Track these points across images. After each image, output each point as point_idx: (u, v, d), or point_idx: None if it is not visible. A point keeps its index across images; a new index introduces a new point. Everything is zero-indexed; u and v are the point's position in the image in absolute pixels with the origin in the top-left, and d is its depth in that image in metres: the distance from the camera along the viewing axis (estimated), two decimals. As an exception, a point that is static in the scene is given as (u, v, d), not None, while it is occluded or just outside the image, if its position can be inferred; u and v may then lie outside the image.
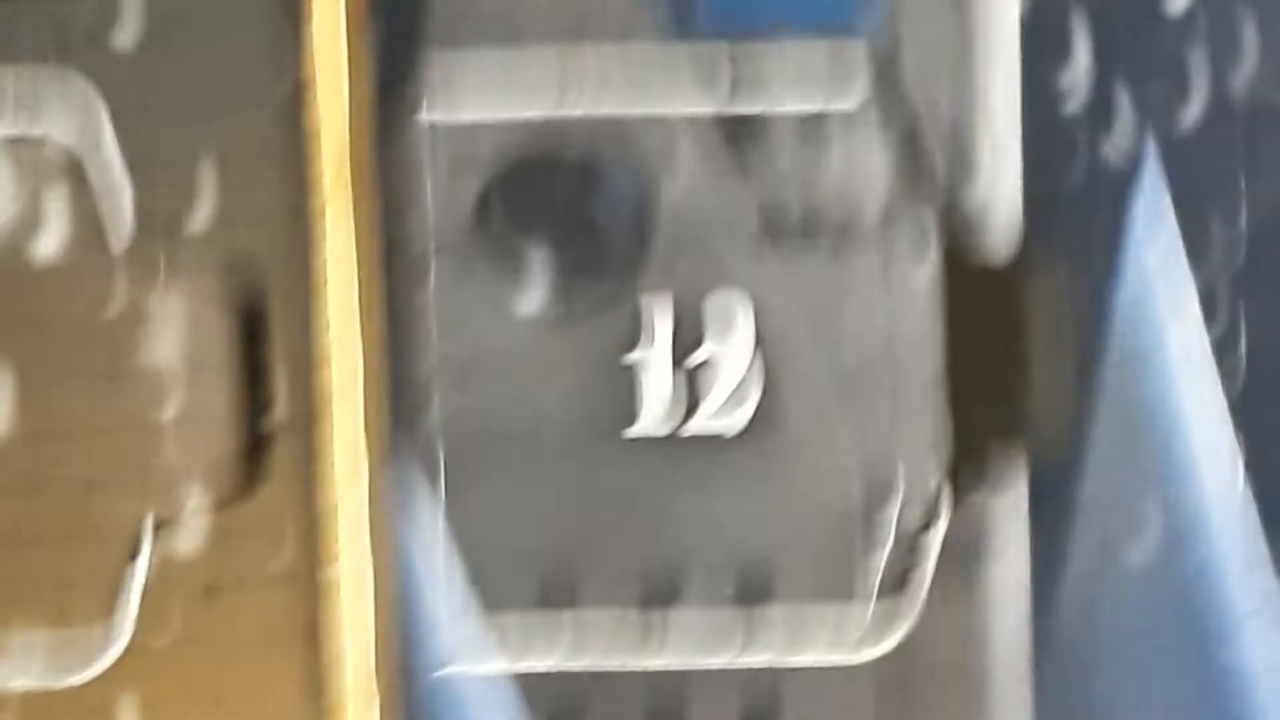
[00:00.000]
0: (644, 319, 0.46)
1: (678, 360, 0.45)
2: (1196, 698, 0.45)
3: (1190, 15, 0.43)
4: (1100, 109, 0.45)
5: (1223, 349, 0.45)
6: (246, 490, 0.45)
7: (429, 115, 0.44)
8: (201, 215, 0.44)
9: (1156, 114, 0.44)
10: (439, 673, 0.46)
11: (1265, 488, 0.46)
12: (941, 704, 0.46)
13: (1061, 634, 0.46)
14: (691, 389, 0.45)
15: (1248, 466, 0.46)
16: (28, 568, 0.45)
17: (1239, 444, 0.46)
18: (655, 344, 0.46)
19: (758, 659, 0.46)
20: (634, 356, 0.45)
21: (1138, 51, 0.44)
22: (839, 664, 0.46)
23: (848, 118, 0.44)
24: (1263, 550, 0.46)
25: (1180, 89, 0.44)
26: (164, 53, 0.44)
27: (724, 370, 0.45)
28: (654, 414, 0.45)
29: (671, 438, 0.45)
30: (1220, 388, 0.46)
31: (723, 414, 0.45)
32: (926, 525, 0.46)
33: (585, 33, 0.44)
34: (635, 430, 0.45)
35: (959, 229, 0.45)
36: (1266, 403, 0.45)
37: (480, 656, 0.46)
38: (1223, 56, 0.44)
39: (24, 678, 0.45)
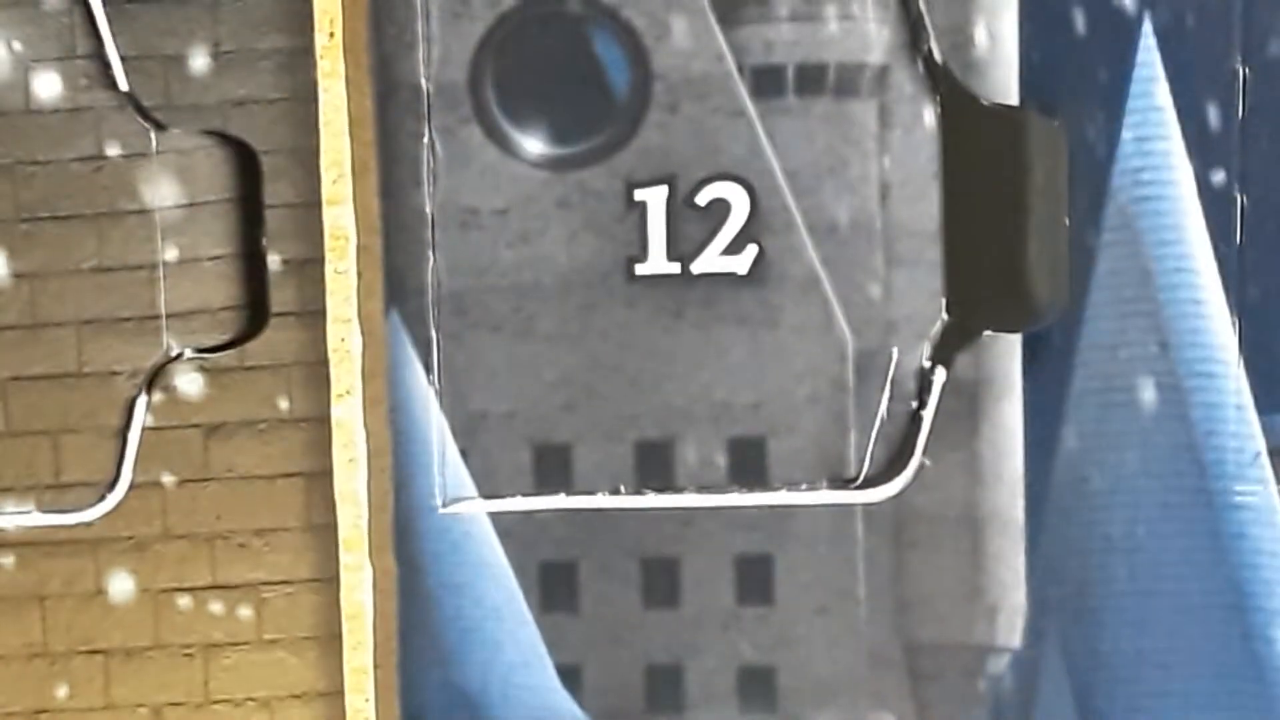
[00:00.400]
0: (651, 161, 0.45)
1: (686, 200, 0.45)
2: (1198, 535, 0.45)
3: None
4: None
5: (1223, 196, 0.45)
6: (247, 332, 0.45)
7: None
8: (201, 59, 0.43)
9: None
10: (438, 512, 0.46)
11: (1254, 336, 0.45)
12: (936, 547, 0.46)
13: (1059, 478, 0.46)
14: (701, 227, 0.45)
15: (1240, 313, 0.45)
16: (29, 409, 0.45)
17: (1232, 292, 0.45)
18: (664, 183, 0.45)
19: (753, 500, 0.46)
20: (644, 194, 0.44)
21: None
22: (834, 507, 0.46)
23: None
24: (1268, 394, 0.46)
25: None
26: None
27: (731, 210, 0.45)
28: (664, 250, 0.45)
29: (680, 275, 0.45)
30: (1220, 232, 0.45)
31: (729, 253, 0.45)
32: (926, 372, 0.46)
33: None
34: (644, 268, 0.45)
35: (960, 73, 0.44)
36: (1263, 250, 0.45)
37: (475, 498, 0.46)
38: None
39: (26, 518, 0.45)
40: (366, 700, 0.46)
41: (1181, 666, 0.46)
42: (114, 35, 0.43)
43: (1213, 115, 0.44)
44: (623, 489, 0.46)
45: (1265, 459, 0.45)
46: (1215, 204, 0.44)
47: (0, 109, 0.44)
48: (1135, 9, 0.43)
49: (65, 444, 0.45)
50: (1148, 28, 0.43)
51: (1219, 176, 0.44)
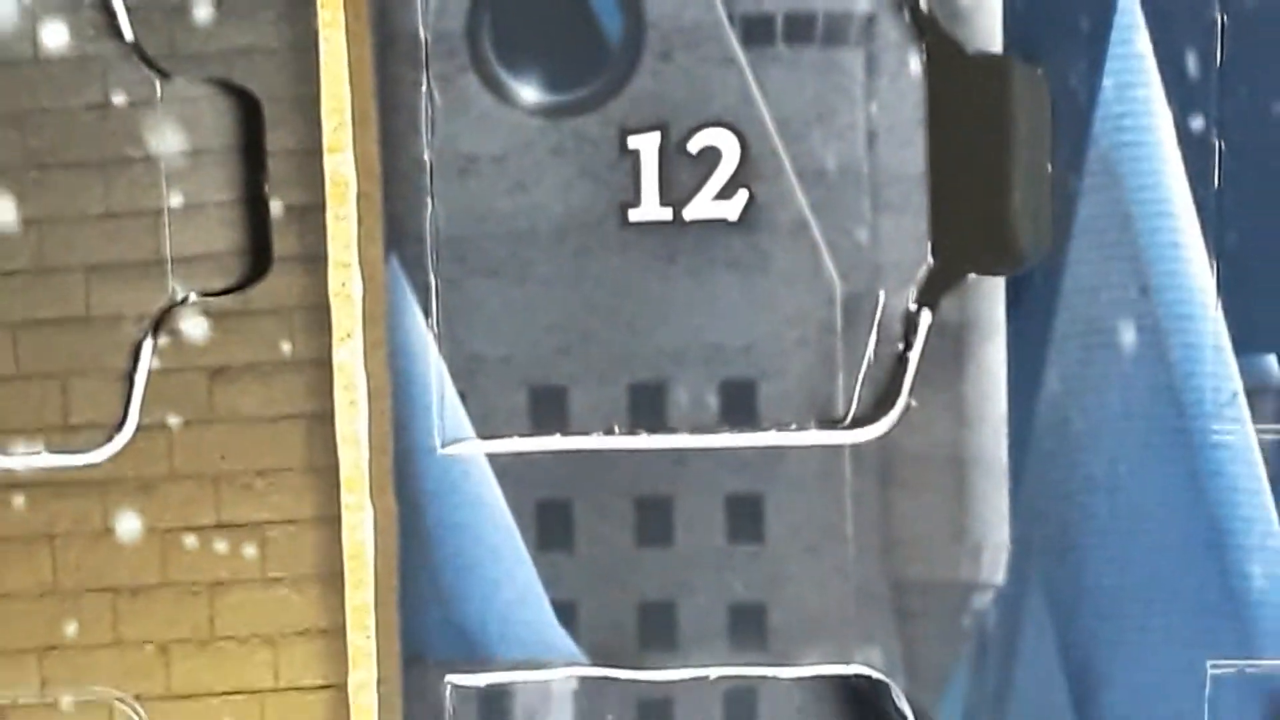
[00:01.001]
0: (644, 109, 0.46)
1: (678, 146, 0.46)
2: (1177, 474, 0.46)
3: None
4: None
5: (1202, 142, 0.46)
6: (251, 277, 0.46)
7: None
8: (204, 9, 0.44)
9: None
10: (437, 453, 0.47)
11: (1231, 279, 0.46)
12: (922, 487, 0.47)
13: (1041, 420, 0.47)
14: (693, 173, 0.46)
15: (1218, 256, 0.46)
16: (37, 352, 0.46)
17: (1210, 236, 0.46)
18: (657, 130, 0.46)
19: (744, 441, 0.47)
20: (637, 141, 0.45)
21: None
22: (823, 448, 0.46)
23: None
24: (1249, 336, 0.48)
25: None
26: None
27: (722, 157, 0.45)
28: (656, 196, 0.46)
29: (673, 221, 0.45)
30: (1198, 177, 0.46)
31: (721, 199, 0.45)
32: (912, 315, 0.46)
33: None
34: (637, 215, 0.46)
35: (945, 22, 0.45)
36: (1240, 195, 0.46)
37: (473, 439, 0.47)
38: None
39: (36, 459, 0.46)
40: (368, 637, 0.47)
41: (1161, 602, 0.47)
42: None
43: (1191, 63, 0.44)
44: (616, 429, 0.46)
45: (1242, 399, 0.46)
46: (1194, 150, 0.45)
47: (9, 58, 0.44)
48: None
49: (73, 387, 0.46)
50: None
51: (1198, 123, 0.44)
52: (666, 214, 0.47)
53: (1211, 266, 0.47)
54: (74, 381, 0.47)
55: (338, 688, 0.48)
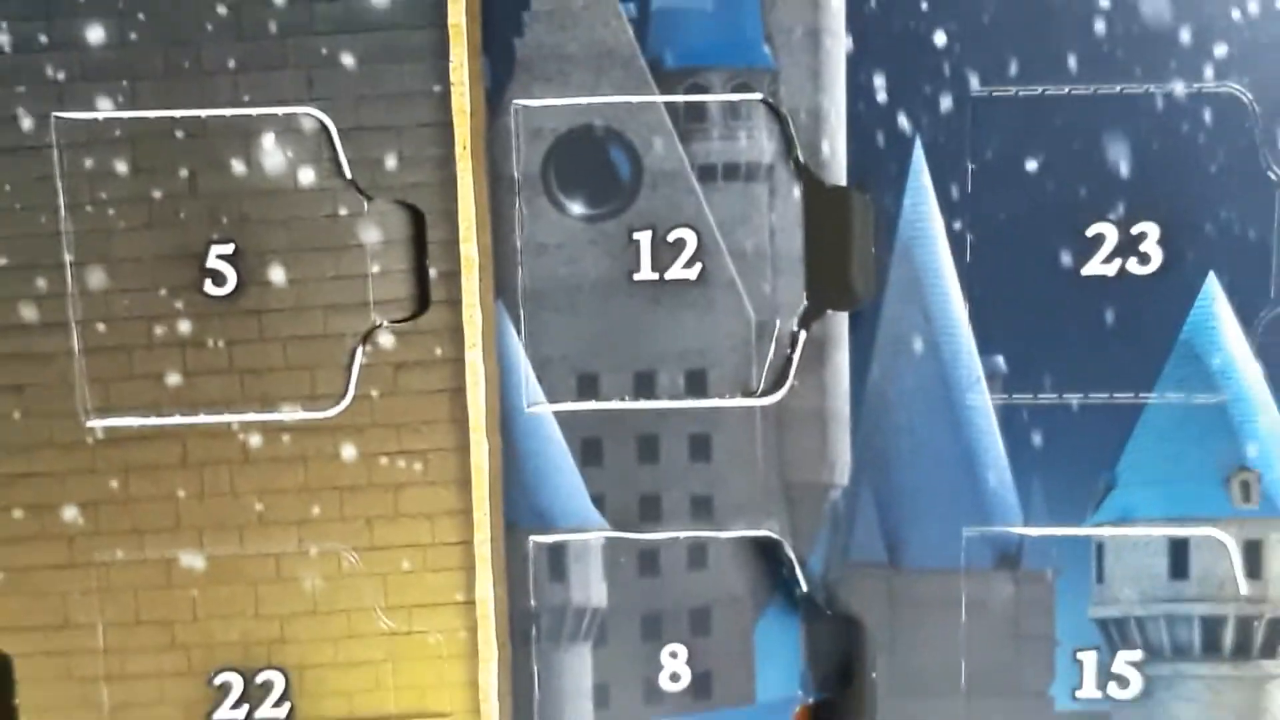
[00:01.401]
0: (642, 218, 0.51)
1: (661, 238, 0.51)
2: (949, 425, 0.52)
3: (950, 43, 0.48)
4: (882, 112, 0.49)
5: (961, 236, 0.51)
6: (418, 311, 0.51)
7: (516, 100, 0.50)
8: (392, 161, 0.49)
9: (920, 110, 0.49)
10: (525, 411, 0.52)
11: (976, 313, 0.51)
12: (800, 429, 0.52)
13: (869, 392, 0.52)
14: (670, 253, 0.51)
15: (969, 300, 0.51)
16: (299, 355, 0.51)
17: (965, 290, 0.51)
18: (650, 229, 0.51)
19: (699, 404, 0.52)
20: (638, 235, 0.50)
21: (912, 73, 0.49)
22: (745, 408, 0.52)
23: (754, 106, 0.50)
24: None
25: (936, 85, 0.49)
26: (378, 79, 0.48)
27: (687, 244, 0.51)
28: (649, 266, 0.51)
29: (659, 281, 0.51)
30: (958, 257, 0.51)
31: (686, 268, 0.51)
32: (795, 334, 0.52)
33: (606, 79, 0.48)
34: (639, 277, 0.51)
35: (813, 168, 0.51)
36: (982, 267, 0.51)
37: (545, 403, 0.53)
38: (967, 62, 0.49)
39: (297, 415, 0.51)
40: (485, 514, 0.52)
41: (937, 496, 0.53)
42: (343, 146, 0.49)
43: (954, 190, 0.50)
44: (626, 398, 0.52)
45: (983, 381, 0.52)
46: (956, 241, 0.50)
47: (280, 188, 0.49)
48: (910, 132, 0.49)
49: (318, 374, 0.51)
50: (918, 143, 0.49)
51: (958, 225, 0.50)
52: (655, 276, 0.51)
53: (966, 306, 0.51)
54: (319, 371, 0.51)
55: (467, 543, 0.52)
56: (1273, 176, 0.48)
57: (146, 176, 0.48)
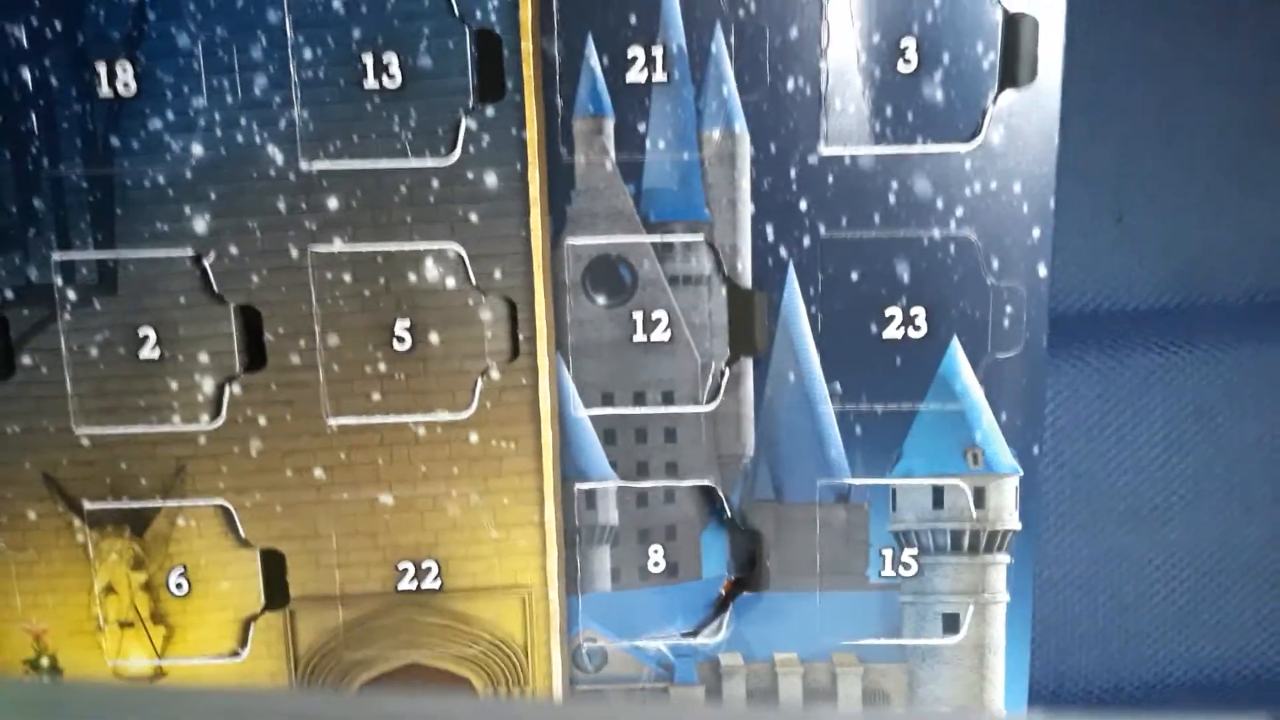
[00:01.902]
0: (640, 303, 0.56)
1: (648, 316, 0.56)
2: (808, 412, 0.57)
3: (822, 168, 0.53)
4: (770, 247, 0.53)
5: (814, 319, 0.55)
6: (513, 358, 0.56)
7: (568, 240, 0.56)
8: (498, 274, 0.54)
9: (792, 245, 0.54)
10: (572, 415, 0.58)
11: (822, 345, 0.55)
12: (727, 421, 0.58)
13: (766, 397, 0.58)
14: (653, 326, 0.56)
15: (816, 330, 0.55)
16: (442, 386, 0.56)
17: (814, 335, 0.56)
18: (640, 310, 0.55)
19: (667, 410, 0.58)
20: (635, 315, 0.55)
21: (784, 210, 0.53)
22: (695, 414, 0.58)
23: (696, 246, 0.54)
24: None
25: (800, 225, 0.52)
26: (490, 228, 0.52)
27: (662, 321, 0.56)
28: (642, 332, 0.56)
29: (646, 341, 0.56)
30: (810, 323, 0.56)
31: (664, 334, 0.56)
32: (721, 370, 0.57)
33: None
34: (636, 338, 0.56)
35: (732, 276, 0.56)
36: (828, 318, 0.55)
37: (582, 407, 0.58)
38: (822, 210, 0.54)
39: (440, 418, 0.49)
40: (550, 472, 0.56)
41: (806, 467, 0.58)
42: (471, 266, 0.52)
43: (810, 290, 0.56)
44: (629, 407, 0.59)
45: (828, 399, 0.58)
46: (812, 319, 0.56)
47: (436, 289, 0.48)
48: (786, 258, 0.55)
49: (457, 395, 0.50)
50: (791, 265, 0.55)
51: (813, 309, 0.55)
52: (645, 339, 0.56)
53: (817, 355, 0.56)
54: (457, 393, 0.54)
55: (540, 490, 0.56)
56: (990, 282, 0.53)
57: (360, 283, 0.52)
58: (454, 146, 0.49)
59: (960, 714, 0.52)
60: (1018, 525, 0.53)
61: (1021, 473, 0.53)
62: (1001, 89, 0.49)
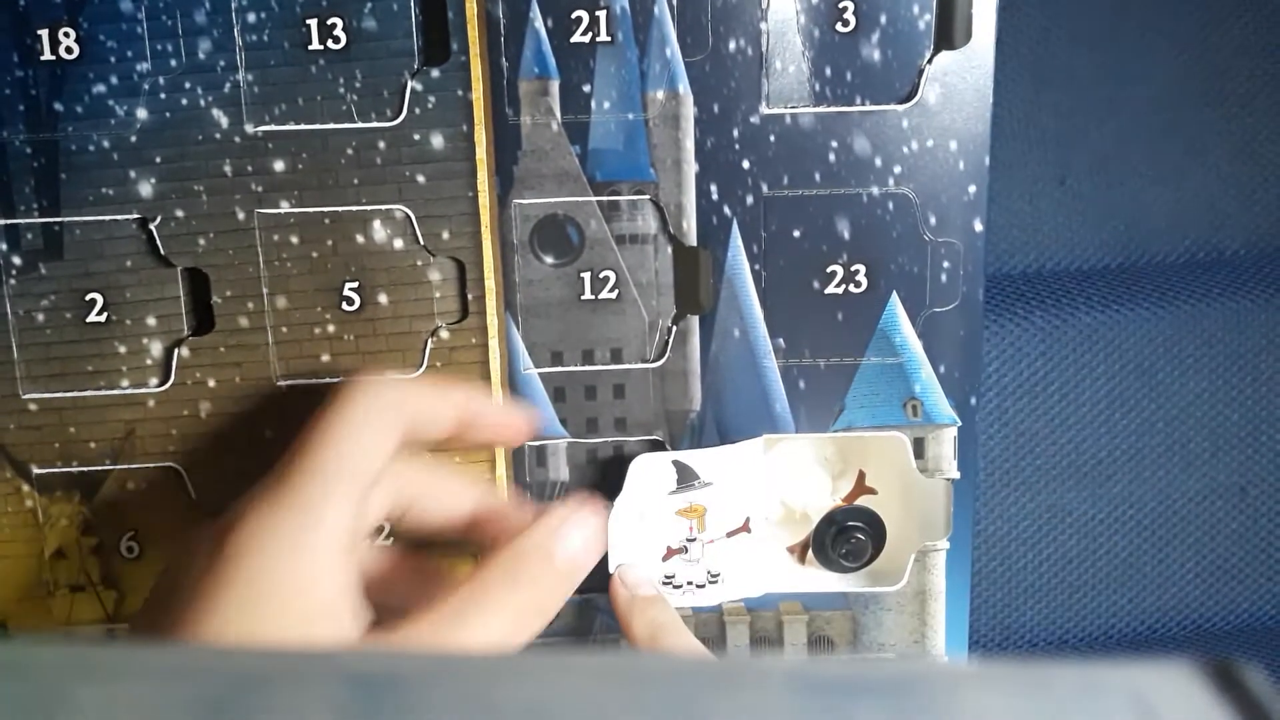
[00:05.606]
0: (589, 263, 0.55)
1: (596, 275, 0.55)
2: (753, 368, 0.56)
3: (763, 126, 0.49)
4: (715, 205, 0.52)
5: (758, 276, 0.55)
6: (462, 318, 0.56)
7: (515, 200, 0.55)
8: (446, 234, 0.53)
9: (736, 204, 0.54)
10: (522, 372, 0.58)
11: (767, 316, 0.56)
12: (674, 378, 0.58)
13: (711, 359, 0.57)
14: (601, 285, 0.55)
15: (763, 303, 0.56)
16: (392, 346, 0.55)
17: (759, 299, 0.56)
18: (589, 270, 0.55)
19: (619, 367, 0.57)
20: (583, 275, 0.55)
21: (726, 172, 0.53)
22: (645, 369, 0.58)
23: (647, 203, 0.54)
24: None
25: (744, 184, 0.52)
26: (438, 189, 0.50)
27: (610, 280, 0.55)
28: (590, 290, 0.55)
29: (595, 299, 0.55)
30: (755, 280, 0.56)
31: (611, 293, 0.55)
32: (669, 327, 0.58)
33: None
34: (584, 297, 0.56)
35: (679, 235, 0.56)
36: (772, 289, 0.55)
37: (534, 368, 0.57)
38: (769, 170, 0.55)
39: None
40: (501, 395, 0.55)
41: (752, 421, 0.58)
42: (419, 227, 0.52)
43: (754, 248, 0.56)
44: (577, 365, 0.58)
45: (772, 354, 0.57)
46: (756, 276, 0.56)
47: (384, 250, 0.50)
48: (730, 216, 0.55)
49: (406, 355, 0.50)
50: (735, 222, 0.55)
51: (757, 267, 0.56)
52: (593, 297, 0.56)
53: (761, 311, 0.56)
54: (407, 353, 0.54)
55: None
56: (927, 238, 0.53)
57: (308, 245, 0.51)
58: (400, 108, 0.49)
59: (904, 659, 0.53)
60: (957, 474, 0.53)
61: (960, 423, 0.53)
62: (937, 50, 0.49)
